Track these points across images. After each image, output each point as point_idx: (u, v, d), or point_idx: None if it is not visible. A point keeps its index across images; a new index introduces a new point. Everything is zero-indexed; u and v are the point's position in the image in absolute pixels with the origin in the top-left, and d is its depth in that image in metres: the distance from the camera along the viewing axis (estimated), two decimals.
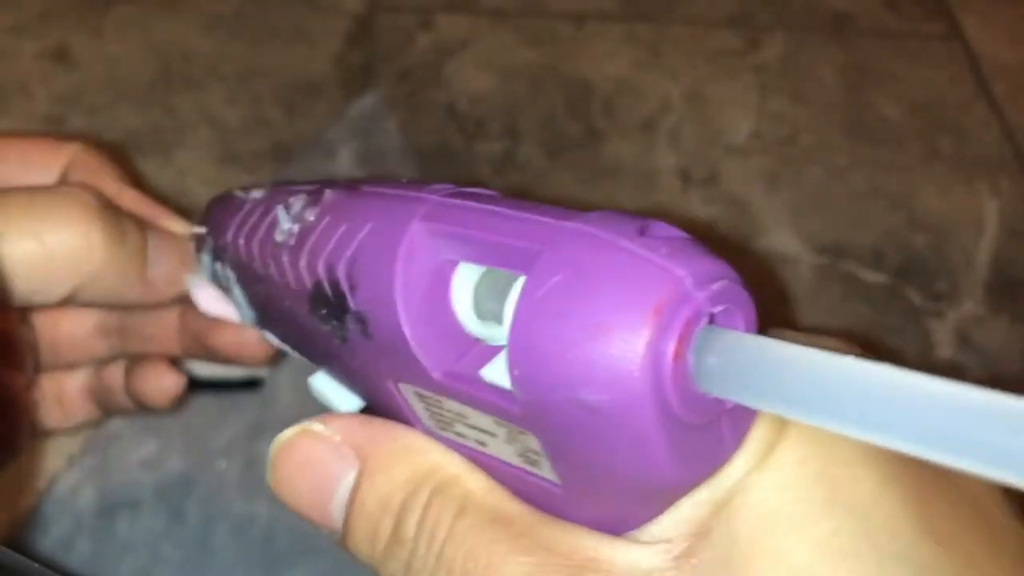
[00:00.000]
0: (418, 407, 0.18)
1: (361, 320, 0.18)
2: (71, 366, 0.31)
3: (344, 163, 0.47)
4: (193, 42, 0.52)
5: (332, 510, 0.20)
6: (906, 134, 0.52)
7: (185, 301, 0.28)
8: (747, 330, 0.15)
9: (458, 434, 0.18)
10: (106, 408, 0.32)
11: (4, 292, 0.25)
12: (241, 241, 0.22)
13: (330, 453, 0.20)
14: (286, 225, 0.20)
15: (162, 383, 0.29)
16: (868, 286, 0.45)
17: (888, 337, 0.43)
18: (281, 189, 0.22)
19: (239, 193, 0.24)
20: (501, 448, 0.17)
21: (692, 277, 0.14)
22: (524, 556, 0.16)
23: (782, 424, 0.16)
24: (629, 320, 0.14)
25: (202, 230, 0.25)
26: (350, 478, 0.19)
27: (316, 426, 0.20)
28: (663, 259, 0.14)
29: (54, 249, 0.23)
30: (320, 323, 0.19)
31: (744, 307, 0.15)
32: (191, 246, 0.27)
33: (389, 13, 0.55)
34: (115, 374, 0.31)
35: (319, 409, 0.40)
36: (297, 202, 0.20)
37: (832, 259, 0.46)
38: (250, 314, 0.24)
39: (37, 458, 0.35)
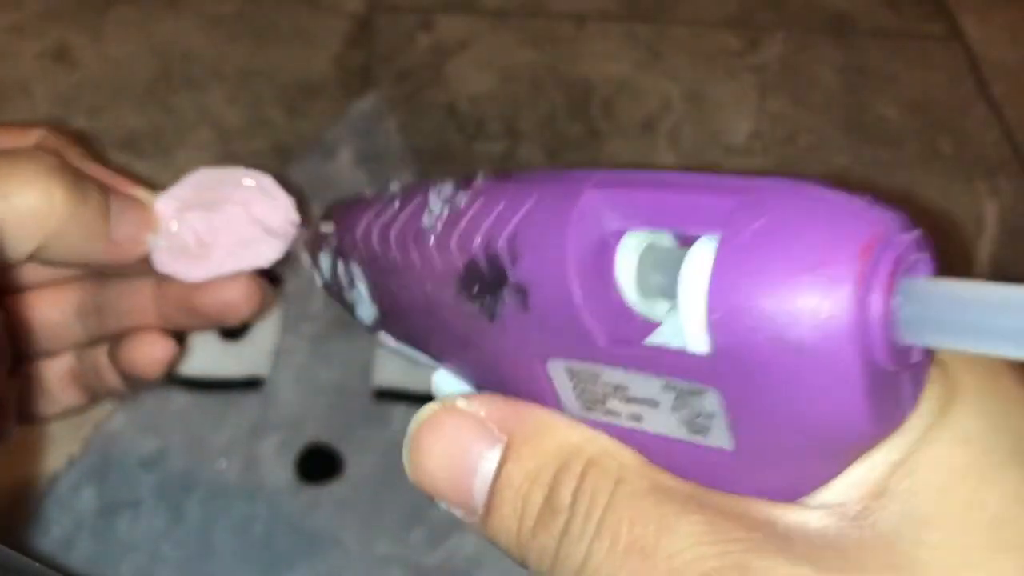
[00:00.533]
0: (565, 386, 0.18)
1: (521, 291, 0.17)
2: (51, 352, 0.31)
3: (344, 163, 0.47)
4: (193, 42, 0.52)
5: (474, 488, 0.19)
6: (905, 134, 0.52)
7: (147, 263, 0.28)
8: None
9: (609, 412, 0.17)
10: (93, 392, 0.32)
11: None
12: (375, 234, 0.22)
13: (474, 428, 0.19)
14: (437, 209, 0.20)
15: (153, 350, 0.30)
16: None
17: None
18: (423, 183, 0.22)
19: (369, 194, 0.24)
20: (662, 419, 0.17)
21: (894, 222, 0.14)
22: (695, 515, 0.16)
23: (954, 382, 0.16)
24: (839, 258, 0.14)
25: (329, 229, 0.26)
26: (495, 453, 0.19)
27: (460, 401, 0.19)
28: (862, 205, 0.14)
29: (18, 207, 0.24)
30: (466, 303, 0.19)
31: (929, 262, 0.15)
32: (153, 211, 0.28)
33: (389, 13, 0.55)
34: (99, 355, 0.31)
35: (319, 408, 0.40)
36: (446, 188, 0.20)
37: None
38: (372, 311, 0.24)
39: (35, 444, 0.35)
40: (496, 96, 0.51)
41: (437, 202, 0.20)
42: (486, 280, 0.18)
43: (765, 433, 0.15)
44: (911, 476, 0.15)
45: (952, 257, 0.47)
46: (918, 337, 0.14)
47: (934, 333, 0.14)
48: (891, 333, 0.14)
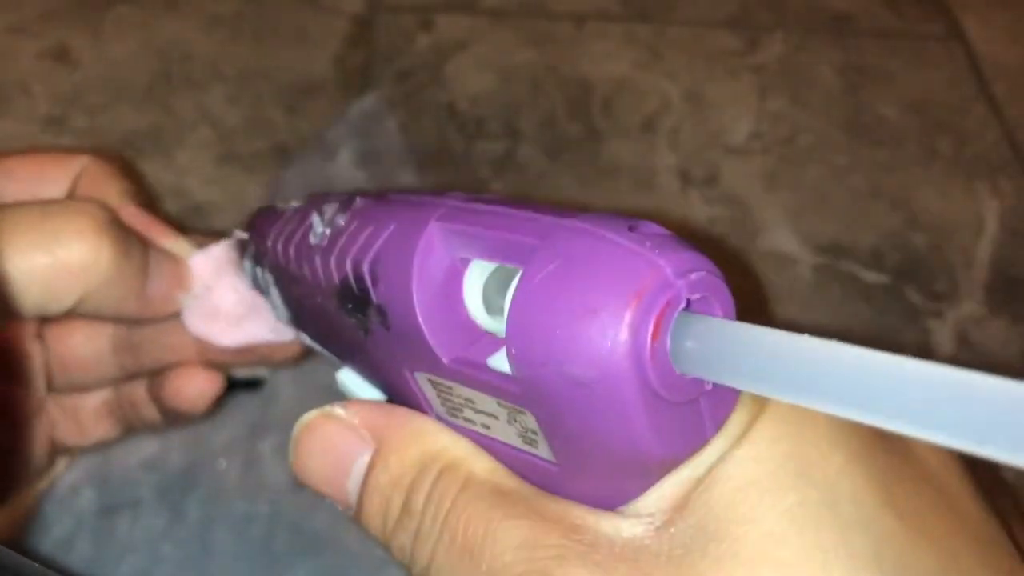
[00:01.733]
0: (431, 394, 0.20)
1: (382, 312, 0.19)
2: (84, 386, 0.31)
3: (344, 163, 0.47)
4: (193, 42, 0.52)
5: (348, 487, 0.21)
6: (906, 134, 0.52)
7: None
8: (724, 317, 0.16)
9: (466, 419, 0.19)
10: (129, 425, 0.32)
11: (12, 309, 0.25)
12: (280, 246, 0.24)
13: (348, 434, 0.21)
14: (320, 229, 0.22)
15: (199, 384, 0.30)
16: (868, 286, 0.45)
17: (887, 337, 0.43)
18: (317, 198, 0.24)
19: (280, 204, 0.26)
20: (503, 430, 0.18)
21: (672, 267, 0.16)
22: (518, 521, 0.18)
23: (759, 406, 0.18)
24: (613, 303, 0.15)
25: (244, 236, 0.27)
26: (366, 458, 0.21)
27: (337, 409, 0.21)
28: (647, 251, 0.16)
29: (66, 261, 0.25)
30: (346, 317, 0.21)
31: (722, 297, 0.16)
32: (188, 269, 0.28)
33: (389, 13, 0.55)
34: (136, 389, 0.31)
35: (319, 402, 0.40)
36: (330, 208, 0.22)
37: (832, 259, 0.46)
38: (286, 314, 0.26)
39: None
40: (496, 96, 0.51)
41: (320, 222, 0.22)
42: (357, 299, 0.20)
43: (574, 451, 0.17)
44: (705, 492, 0.17)
45: (951, 258, 0.47)
46: (691, 369, 0.15)
47: (702, 366, 0.15)
48: (665, 365, 0.15)
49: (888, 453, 0.18)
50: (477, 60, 0.53)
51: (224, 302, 0.28)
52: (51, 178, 0.28)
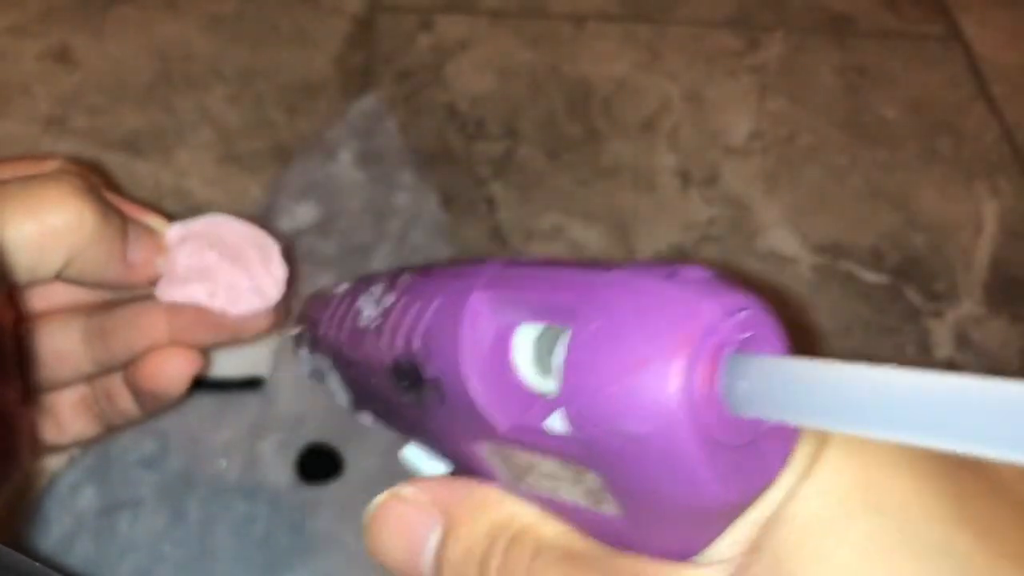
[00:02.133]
0: (496, 462, 0.20)
1: (437, 387, 0.20)
2: (59, 381, 0.31)
3: (344, 163, 0.47)
4: (194, 43, 0.52)
5: (423, 566, 0.21)
6: (905, 134, 0.52)
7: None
8: (776, 353, 0.16)
9: (533, 484, 0.19)
10: (107, 420, 0.32)
11: (7, 278, 0.25)
12: (332, 331, 0.25)
13: (418, 513, 0.21)
14: (368, 311, 0.23)
15: (177, 363, 0.30)
16: (867, 286, 0.45)
17: (887, 337, 0.43)
18: (363, 280, 0.24)
19: (327, 289, 0.27)
20: (569, 491, 0.18)
21: (717, 309, 0.15)
22: None
23: (823, 439, 0.17)
24: (661, 353, 0.15)
25: (298, 329, 0.28)
26: (437, 535, 0.21)
27: (405, 490, 0.22)
28: (689, 296, 0.15)
29: (53, 226, 0.26)
30: (403, 394, 0.21)
31: (771, 333, 0.16)
32: (164, 238, 0.30)
33: (389, 14, 0.55)
34: (112, 381, 0.31)
35: (319, 408, 0.40)
36: (377, 289, 0.23)
37: (831, 259, 0.46)
38: (346, 397, 0.26)
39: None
40: (496, 96, 0.51)
41: (369, 303, 0.23)
42: (411, 376, 0.20)
43: (641, 506, 0.17)
44: (778, 531, 0.17)
45: (951, 258, 0.47)
46: (747, 410, 0.15)
47: (759, 407, 0.15)
48: (721, 409, 0.15)
49: (959, 468, 0.18)
50: (477, 60, 0.53)
51: (176, 265, 0.30)
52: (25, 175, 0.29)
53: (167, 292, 0.30)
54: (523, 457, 0.19)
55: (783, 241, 0.47)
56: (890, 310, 0.44)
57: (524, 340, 0.19)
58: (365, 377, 0.23)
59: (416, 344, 0.20)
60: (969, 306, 0.45)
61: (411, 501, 0.21)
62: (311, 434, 0.38)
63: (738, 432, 0.15)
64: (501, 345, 0.19)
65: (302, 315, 0.28)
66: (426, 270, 0.22)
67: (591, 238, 0.46)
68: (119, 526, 0.35)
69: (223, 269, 0.30)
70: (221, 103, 0.49)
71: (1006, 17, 0.59)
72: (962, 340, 0.44)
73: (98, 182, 0.30)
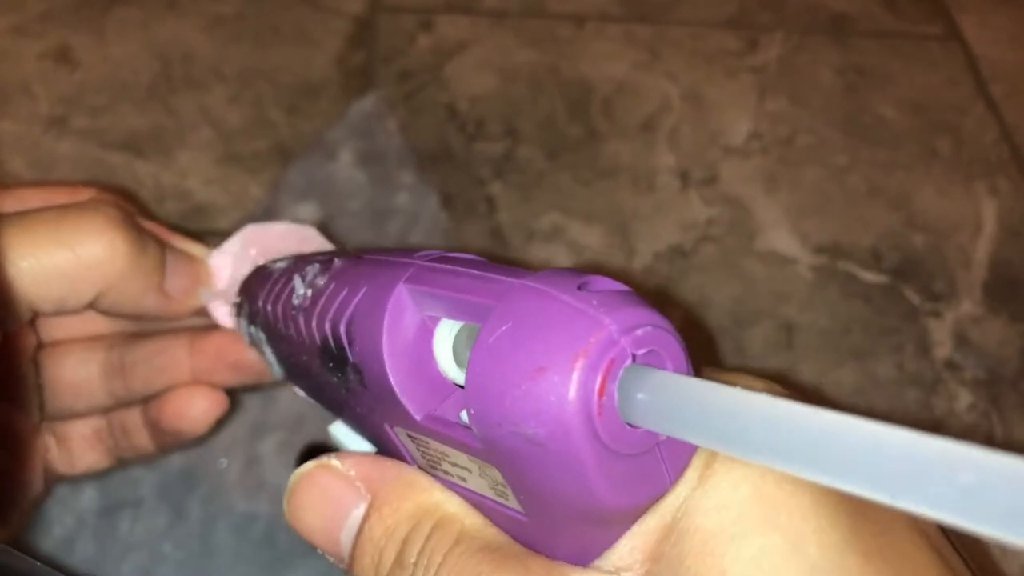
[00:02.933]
0: (411, 447, 0.21)
1: (358, 371, 0.20)
2: (74, 411, 0.31)
3: (344, 163, 0.47)
4: (194, 43, 0.52)
5: (342, 539, 0.21)
6: (904, 135, 0.52)
7: (201, 314, 0.29)
8: (674, 370, 0.17)
9: (444, 471, 0.20)
10: (120, 454, 0.32)
11: (14, 326, 0.25)
12: (268, 306, 0.25)
13: (344, 486, 0.21)
14: (301, 291, 0.23)
15: (202, 403, 0.30)
16: (866, 286, 0.45)
17: (886, 337, 0.44)
18: (301, 259, 0.25)
19: (268, 264, 0.27)
20: (477, 482, 0.19)
21: (617, 324, 0.16)
22: (506, 575, 0.18)
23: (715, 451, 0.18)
24: (560, 362, 0.16)
25: (238, 299, 0.28)
26: (360, 510, 0.21)
27: (333, 461, 0.22)
28: (593, 309, 0.16)
29: (84, 256, 0.26)
30: (329, 375, 0.22)
31: (672, 350, 0.17)
32: (207, 266, 0.29)
33: (390, 14, 0.55)
34: (128, 415, 0.31)
35: (320, 410, 0.40)
36: (311, 270, 0.23)
37: (830, 259, 0.46)
38: (279, 369, 0.27)
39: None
40: (496, 96, 0.51)
41: (302, 284, 0.23)
42: (336, 358, 0.21)
43: (538, 503, 0.18)
44: (676, 544, 0.17)
45: (950, 258, 0.47)
46: (640, 421, 0.16)
47: (651, 419, 0.15)
48: (615, 419, 0.16)
49: None
50: (477, 61, 0.53)
51: (229, 287, 0.29)
52: (59, 204, 0.29)
53: (225, 318, 0.29)
54: (435, 446, 0.19)
55: (782, 241, 0.47)
56: (889, 310, 0.45)
57: (445, 334, 0.19)
58: (296, 354, 0.24)
59: (342, 328, 0.21)
60: (968, 306, 0.45)
61: (338, 473, 0.22)
62: (311, 434, 0.38)
63: (633, 441, 0.16)
64: (424, 336, 0.19)
65: (244, 286, 0.28)
66: (358, 256, 0.22)
67: (591, 238, 0.46)
68: (120, 526, 0.35)
69: None
70: (221, 103, 0.49)
71: (1005, 17, 0.59)
72: (961, 340, 0.44)
73: (133, 210, 0.29)
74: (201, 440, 0.32)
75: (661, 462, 0.17)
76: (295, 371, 0.25)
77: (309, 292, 0.23)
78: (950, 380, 0.42)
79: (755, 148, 0.51)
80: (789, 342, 0.43)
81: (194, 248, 0.29)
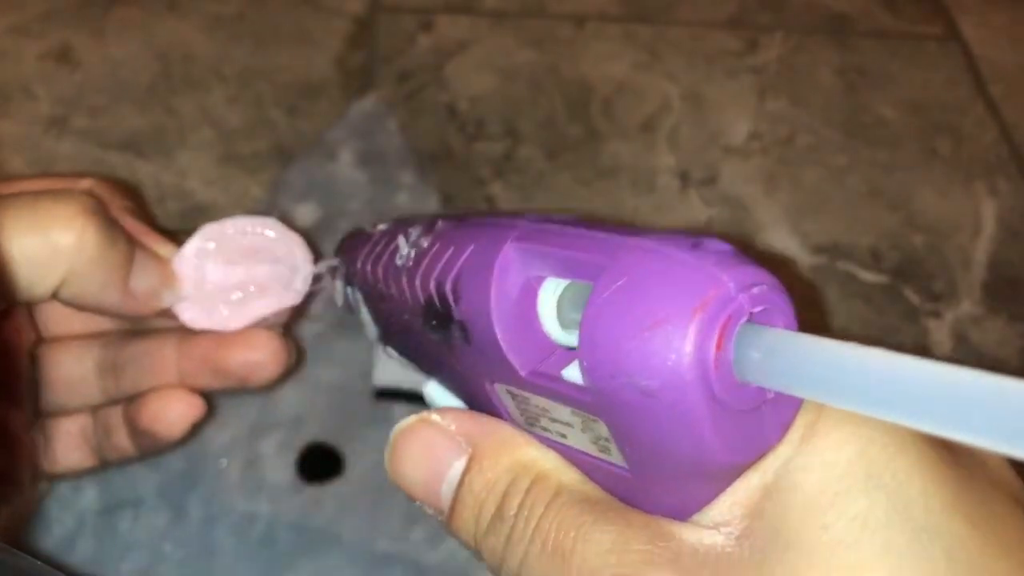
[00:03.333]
0: (510, 404, 0.21)
1: (463, 329, 0.21)
2: (65, 408, 0.31)
3: (345, 164, 0.47)
4: (195, 43, 0.52)
5: (442, 491, 0.22)
6: (904, 135, 0.52)
7: (166, 315, 0.29)
8: (785, 328, 0.17)
9: (543, 428, 0.20)
10: (103, 454, 0.32)
11: (5, 316, 0.25)
12: (368, 267, 0.26)
13: (445, 440, 0.22)
14: (405, 251, 0.24)
15: (178, 406, 0.30)
16: (866, 286, 0.45)
17: (886, 337, 0.44)
18: (402, 222, 0.25)
19: (367, 228, 0.28)
20: (578, 438, 0.19)
21: (734, 281, 0.16)
22: (607, 527, 0.18)
23: (819, 411, 0.18)
24: (677, 316, 0.16)
25: (334, 262, 0.29)
26: (461, 463, 0.21)
27: (434, 416, 0.22)
28: (710, 266, 0.16)
29: (54, 243, 0.26)
30: (431, 333, 0.22)
31: (783, 309, 0.17)
32: (174, 268, 0.29)
33: (390, 14, 0.55)
34: (112, 414, 0.31)
35: (320, 408, 0.40)
36: (414, 231, 0.24)
37: (830, 259, 0.46)
38: (375, 330, 0.27)
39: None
40: (496, 97, 0.51)
41: (406, 244, 0.24)
42: (440, 316, 0.21)
43: (645, 457, 0.18)
44: (777, 501, 0.17)
45: (949, 258, 0.47)
46: (754, 378, 0.16)
47: (764, 375, 0.16)
48: (729, 375, 0.16)
49: (957, 455, 0.18)
50: (477, 61, 0.53)
51: (214, 292, 0.29)
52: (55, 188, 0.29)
53: (193, 318, 0.29)
54: (538, 402, 0.20)
55: (782, 241, 0.47)
56: (889, 310, 0.45)
57: (549, 293, 0.20)
58: (396, 313, 0.24)
59: (448, 286, 0.21)
60: (968, 306, 0.45)
61: (439, 427, 0.22)
62: (312, 434, 0.38)
63: (743, 398, 0.16)
64: (528, 295, 0.20)
65: (340, 249, 0.29)
66: (462, 218, 0.23)
67: None
68: (120, 525, 0.35)
69: (253, 276, 0.30)
70: (222, 103, 0.49)
71: (1005, 17, 0.59)
72: (961, 340, 0.44)
73: (122, 205, 0.29)
74: (179, 444, 0.31)
75: (767, 419, 0.17)
76: (393, 331, 0.26)
77: (413, 252, 0.23)
78: None
79: (755, 148, 0.51)
80: None
81: (165, 250, 0.29)
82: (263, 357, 0.30)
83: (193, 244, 0.30)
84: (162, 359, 0.30)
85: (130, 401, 0.30)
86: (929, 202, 0.49)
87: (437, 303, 0.21)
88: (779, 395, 0.17)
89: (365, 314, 0.27)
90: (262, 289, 0.29)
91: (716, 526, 0.18)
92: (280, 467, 0.37)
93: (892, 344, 0.43)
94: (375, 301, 0.26)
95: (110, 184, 0.30)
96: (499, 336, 0.19)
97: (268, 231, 0.30)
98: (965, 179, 0.50)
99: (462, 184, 0.47)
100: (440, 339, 0.22)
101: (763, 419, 0.17)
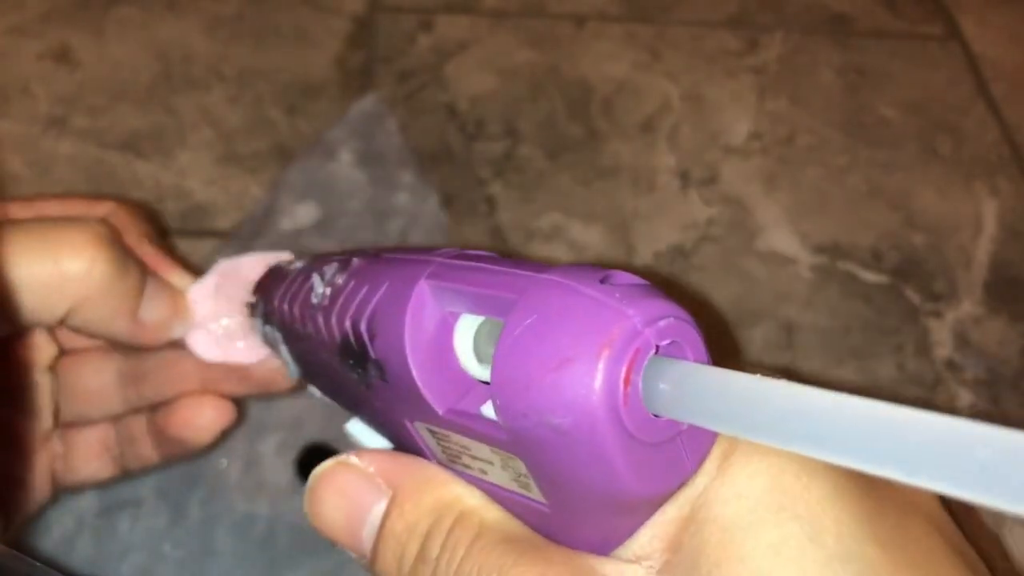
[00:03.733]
0: (431, 442, 0.21)
1: (380, 367, 0.20)
2: (87, 419, 0.31)
3: (345, 163, 0.47)
4: (194, 43, 0.52)
5: (363, 535, 0.22)
6: (905, 134, 0.52)
7: (178, 344, 0.29)
8: (695, 360, 0.17)
9: (465, 465, 0.20)
10: (124, 463, 0.32)
11: (15, 317, 0.25)
12: (285, 305, 0.25)
13: (364, 483, 0.22)
14: (320, 289, 0.23)
15: (208, 413, 0.30)
16: (867, 286, 0.45)
17: (886, 337, 0.44)
18: (319, 258, 0.25)
19: (284, 264, 0.28)
20: (498, 475, 0.19)
21: (640, 316, 0.16)
22: (529, 567, 0.18)
23: (734, 439, 0.18)
24: (585, 353, 0.16)
25: (253, 299, 0.28)
26: (381, 506, 0.21)
27: (352, 459, 0.22)
28: (616, 302, 0.16)
29: (63, 271, 0.26)
30: (349, 372, 0.22)
31: (692, 341, 0.17)
32: (188, 300, 0.29)
33: (390, 14, 0.55)
34: (134, 424, 0.31)
35: (319, 408, 0.40)
36: (330, 269, 0.24)
37: (831, 259, 0.46)
38: (295, 369, 0.27)
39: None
40: (496, 96, 0.51)
41: (321, 282, 0.23)
42: (356, 355, 0.21)
43: (563, 493, 0.18)
44: (695, 534, 0.18)
45: (950, 258, 0.47)
46: (664, 410, 0.16)
47: (674, 408, 0.16)
48: (639, 408, 0.16)
49: (871, 481, 0.18)
50: (477, 61, 0.53)
51: (230, 325, 0.29)
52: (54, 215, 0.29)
53: (205, 350, 0.29)
54: (458, 440, 0.20)
55: (783, 241, 0.47)
56: (890, 310, 0.45)
57: (465, 330, 0.20)
58: (314, 352, 0.24)
59: (363, 325, 0.21)
60: (968, 306, 0.45)
61: (358, 470, 0.22)
62: (311, 434, 0.38)
63: (656, 431, 0.16)
64: (443, 332, 0.20)
65: (259, 286, 0.29)
66: (377, 254, 0.23)
67: (591, 238, 0.46)
68: (120, 526, 0.35)
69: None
70: (221, 103, 0.49)
71: (1005, 17, 0.59)
72: (961, 340, 0.44)
73: (139, 231, 0.29)
74: (204, 451, 0.32)
75: (682, 451, 0.17)
76: (312, 370, 0.26)
77: (328, 290, 0.23)
78: (950, 380, 0.42)
79: (755, 148, 0.51)
80: (789, 342, 0.43)
81: (179, 280, 0.29)
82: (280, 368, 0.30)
83: (209, 278, 0.30)
84: (186, 367, 0.30)
85: (155, 410, 0.30)
86: (930, 202, 0.49)
87: (353, 342, 0.21)
88: (694, 427, 0.17)
89: (284, 352, 0.27)
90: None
91: (637, 559, 0.18)
92: (279, 468, 0.37)
93: (893, 344, 0.43)
94: (293, 340, 0.26)
95: (131, 208, 0.30)
96: (415, 375, 0.19)
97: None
98: (966, 179, 0.50)
99: (462, 184, 0.47)
100: (358, 378, 0.22)
101: (679, 449, 0.17)
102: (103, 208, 0.29)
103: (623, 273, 0.18)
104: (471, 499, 0.20)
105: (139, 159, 0.46)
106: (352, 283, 0.22)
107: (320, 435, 0.38)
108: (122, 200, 0.31)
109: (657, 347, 0.16)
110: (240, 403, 0.31)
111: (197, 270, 0.31)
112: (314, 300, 0.24)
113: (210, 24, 0.53)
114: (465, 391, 0.20)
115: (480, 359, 0.19)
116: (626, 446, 0.16)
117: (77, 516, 0.35)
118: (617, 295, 0.17)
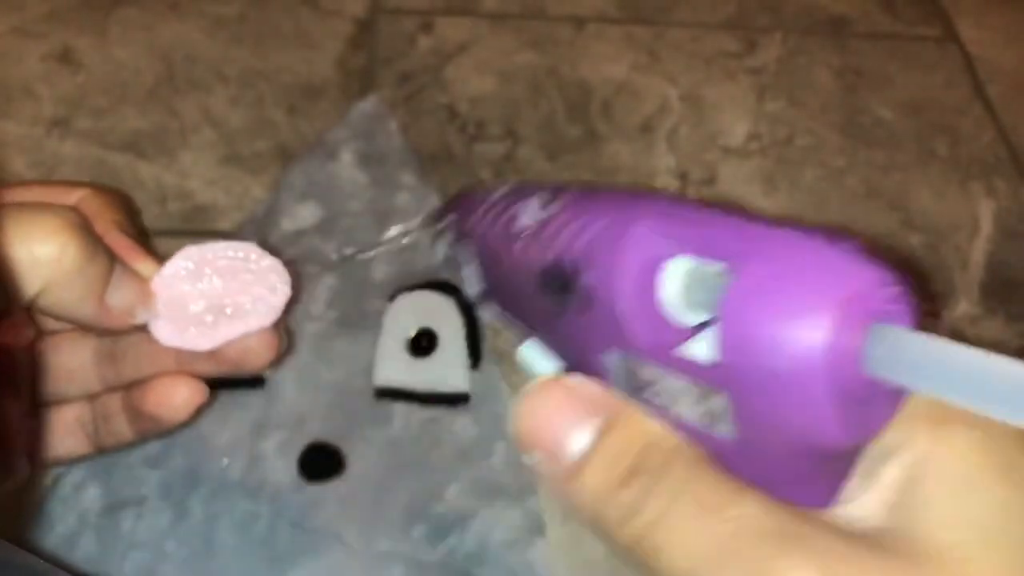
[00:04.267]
0: (620, 372, 0.22)
1: (586, 296, 0.21)
2: (64, 397, 0.32)
3: (345, 164, 0.47)
4: (197, 45, 0.52)
5: (567, 454, 0.22)
6: (902, 136, 0.52)
7: (142, 328, 0.30)
8: (911, 328, 0.18)
9: (649, 397, 0.21)
10: (99, 440, 0.32)
11: (9, 312, 0.26)
12: (484, 227, 0.27)
13: (578, 402, 0.22)
14: (526, 217, 0.24)
15: (180, 392, 0.30)
16: None
17: None
18: (523, 187, 0.26)
19: (483, 189, 0.29)
20: (689, 409, 0.20)
21: (872, 278, 0.17)
22: (755, 496, 0.19)
23: (945, 409, 0.19)
24: (818, 307, 0.17)
25: (446, 218, 0.30)
26: (593, 427, 0.22)
27: (570, 379, 0.23)
28: (849, 261, 0.18)
29: (35, 253, 0.27)
30: (546, 296, 0.23)
31: (909, 310, 0.18)
32: (151, 287, 0.30)
33: (390, 16, 0.55)
34: (110, 401, 0.32)
35: (321, 407, 0.40)
36: (539, 198, 0.25)
37: None
38: (478, 287, 0.28)
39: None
40: (496, 98, 0.52)
41: (528, 209, 0.25)
42: (560, 281, 0.22)
43: (759, 431, 0.19)
44: (917, 493, 0.18)
45: (947, 258, 0.47)
46: (882, 373, 0.17)
47: (894, 372, 0.17)
48: (856, 368, 0.17)
49: None
50: (477, 62, 0.53)
51: (188, 311, 0.30)
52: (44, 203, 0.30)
53: (169, 337, 0.30)
54: (650, 371, 0.21)
55: None
56: None
57: (675, 270, 0.21)
58: (509, 274, 0.25)
59: (575, 254, 0.22)
60: (965, 306, 0.45)
61: (574, 389, 0.22)
62: (313, 433, 0.38)
63: (865, 389, 0.17)
64: (650, 271, 0.21)
65: (450, 206, 0.30)
66: (590, 191, 0.24)
67: None
68: (123, 524, 0.35)
69: (230, 296, 0.30)
70: (223, 104, 0.50)
71: (1002, 19, 0.59)
72: (958, 340, 0.44)
73: (112, 217, 0.30)
74: (176, 429, 0.32)
75: (878, 410, 0.18)
76: (499, 290, 0.27)
77: (537, 217, 0.24)
78: None
79: (754, 149, 0.51)
80: None
81: (145, 268, 0.30)
82: (257, 344, 0.31)
83: (172, 265, 0.30)
84: (159, 347, 0.31)
85: (130, 388, 0.31)
86: (927, 203, 0.49)
87: (559, 269, 0.22)
88: (892, 389, 0.18)
89: (471, 271, 0.28)
90: (237, 311, 0.30)
91: (861, 519, 0.19)
92: (281, 466, 0.37)
93: None
94: (485, 260, 0.27)
95: (105, 195, 0.31)
96: (623, 306, 0.20)
97: (247, 254, 0.31)
98: (963, 180, 0.51)
99: (462, 185, 0.47)
100: (553, 303, 0.23)
101: (875, 409, 0.18)
102: (74, 197, 0.30)
103: (847, 239, 0.19)
104: (674, 438, 0.21)
105: (141, 160, 0.47)
106: (565, 214, 0.23)
107: (322, 434, 0.38)
108: (98, 187, 0.31)
109: (883, 312, 0.17)
110: (234, 394, 0.32)
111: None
112: (518, 226, 0.24)
113: (212, 26, 0.53)
114: (669, 327, 0.21)
115: (688, 300, 0.20)
116: (837, 400, 0.17)
117: (80, 514, 0.35)
118: (851, 257, 0.18)
